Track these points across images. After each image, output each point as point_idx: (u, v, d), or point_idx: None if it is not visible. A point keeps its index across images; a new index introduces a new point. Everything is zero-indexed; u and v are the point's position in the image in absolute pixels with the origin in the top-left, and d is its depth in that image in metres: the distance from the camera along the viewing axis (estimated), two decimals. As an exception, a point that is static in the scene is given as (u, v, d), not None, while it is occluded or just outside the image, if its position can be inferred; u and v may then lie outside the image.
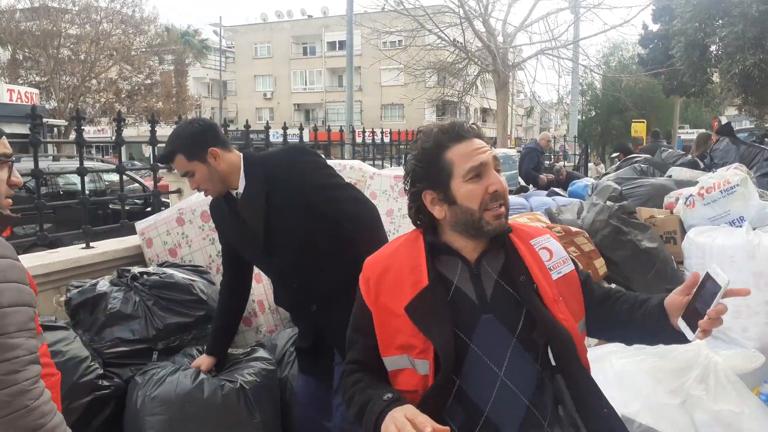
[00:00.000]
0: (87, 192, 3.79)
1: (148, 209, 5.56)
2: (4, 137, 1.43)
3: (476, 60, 12.61)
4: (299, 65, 42.20)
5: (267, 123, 4.81)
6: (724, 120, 10.50)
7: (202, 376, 2.18)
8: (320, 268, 2.06)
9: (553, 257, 1.39)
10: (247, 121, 4.63)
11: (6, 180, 1.43)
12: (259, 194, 2.05)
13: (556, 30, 12.18)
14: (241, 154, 2.13)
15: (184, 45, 31.92)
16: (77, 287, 2.49)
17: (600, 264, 3.06)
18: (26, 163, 4.89)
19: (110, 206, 7.06)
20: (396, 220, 3.53)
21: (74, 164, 3.23)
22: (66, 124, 18.94)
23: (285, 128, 4.80)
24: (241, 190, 2.09)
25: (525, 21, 12.46)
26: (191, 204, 3.06)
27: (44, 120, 10.81)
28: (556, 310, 1.31)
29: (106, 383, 2.23)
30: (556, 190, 6.31)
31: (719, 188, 3.25)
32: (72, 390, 2.09)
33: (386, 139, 7.25)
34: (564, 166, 10.89)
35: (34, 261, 2.69)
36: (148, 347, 2.39)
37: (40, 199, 3.19)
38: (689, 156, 6.10)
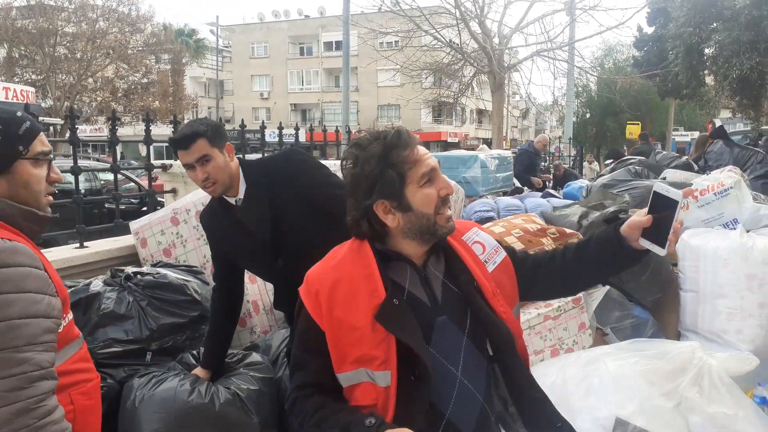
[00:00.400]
0: (82, 191, 3.77)
1: (144, 209, 5.55)
2: (42, 134, 1.40)
3: (472, 61, 12.62)
4: (296, 65, 42.15)
5: (263, 122, 4.80)
6: (718, 122, 10.55)
7: (199, 381, 2.16)
8: None
9: (486, 250, 1.42)
10: (242, 121, 4.62)
11: (46, 177, 1.41)
12: (262, 198, 2.06)
13: (552, 32, 12.20)
14: (237, 162, 2.12)
15: (180, 44, 31.85)
16: (70, 287, 2.46)
17: (595, 266, 3.06)
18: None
19: (106, 205, 7.03)
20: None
21: (70, 163, 3.21)
22: (62, 122, 18.81)
23: (281, 128, 4.78)
24: (241, 195, 2.09)
25: (521, 22, 12.47)
26: (186, 204, 3.05)
27: (40, 118, 10.74)
28: (496, 304, 1.35)
29: (99, 384, 2.21)
30: (551, 191, 6.33)
31: (713, 191, 3.27)
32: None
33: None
34: (561, 164, 10.97)
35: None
36: (141, 348, 2.37)
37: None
38: (684, 158, 6.12)
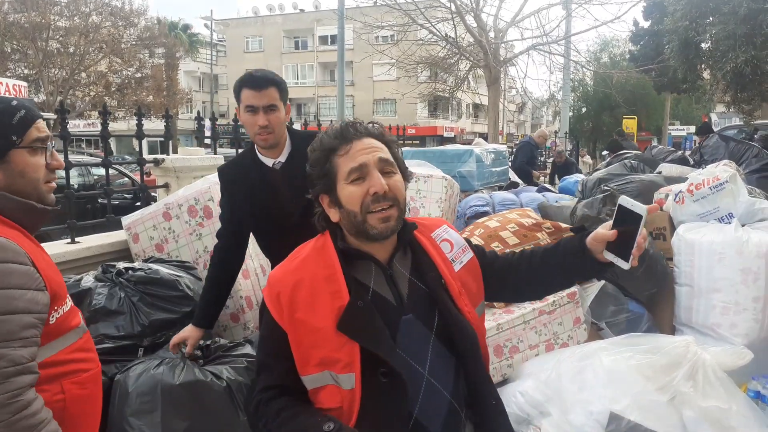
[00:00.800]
0: (75, 186, 3.73)
1: (138, 204, 5.51)
2: (40, 121, 1.41)
3: (468, 55, 12.59)
4: (291, 59, 41.98)
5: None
6: (714, 117, 10.56)
7: (186, 368, 2.14)
8: None
9: (453, 248, 1.40)
10: (235, 115, 4.58)
11: (46, 164, 1.42)
12: (303, 167, 2.08)
13: (548, 26, 12.17)
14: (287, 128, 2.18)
15: (174, 38, 31.67)
16: (61, 283, 2.45)
17: (590, 260, 3.06)
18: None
19: (99, 200, 6.99)
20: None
21: (61, 158, 3.16)
22: (55, 117, 18.72)
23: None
24: (281, 159, 2.13)
25: (516, 16, 12.45)
26: (178, 198, 3.02)
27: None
28: (461, 303, 1.32)
29: (90, 380, 2.19)
30: (547, 186, 6.33)
31: (708, 185, 3.26)
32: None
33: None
34: (564, 151, 11.04)
35: (18, 256, 2.65)
36: (133, 344, 2.35)
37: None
38: (679, 152, 6.13)
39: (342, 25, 13.99)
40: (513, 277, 1.45)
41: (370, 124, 1.33)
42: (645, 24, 17.09)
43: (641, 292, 3.22)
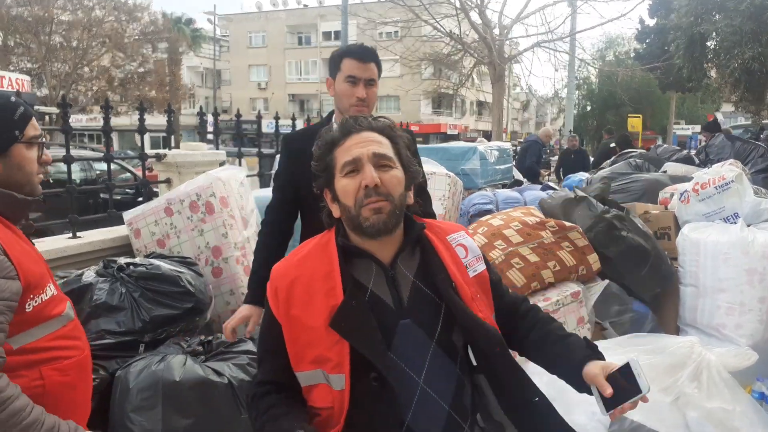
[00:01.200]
0: (77, 181, 3.73)
1: (140, 199, 5.51)
2: (34, 119, 1.48)
3: (472, 52, 12.55)
4: (294, 55, 41.91)
5: (259, 112, 4.77)
6: (720, 116, 10.51)
7: (187, 365, 2.13)
8: None
9: (468, 254, 1.34)
10: (238, 110, 4.58)
11: (37, 159, 1.50)
12: None
13: (553, 23, 12.17)
14: None
15: (177, 33, 31.64)
16: (62, 278, 2.44)
17: (593, 259, 3.04)
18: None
19: (101, 195, 6.98)
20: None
21: (63, 152, 3.17)
22: (57, 111, 18.76)
23: (277, 118, 4.74)
24: None
25: (521, 13, 12.40)
26: (180, 194, 3.00)
27: (35, 107, 10.68)
28: (475, 308, 1.27)
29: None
30: (550, 184, 6.30)
31: (714, 184, 3.24)
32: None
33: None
34: (575, 137, 11.15)
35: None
36: (134, 339, 2.34)
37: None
38: (684, 151, 6.10)
39: (345, 20, 13.95)
40: (509, 326, 1.39)
41: (376, 118, 1.30)
42: (651, 22, 17.00)
43: (646, 292, 3.20)
